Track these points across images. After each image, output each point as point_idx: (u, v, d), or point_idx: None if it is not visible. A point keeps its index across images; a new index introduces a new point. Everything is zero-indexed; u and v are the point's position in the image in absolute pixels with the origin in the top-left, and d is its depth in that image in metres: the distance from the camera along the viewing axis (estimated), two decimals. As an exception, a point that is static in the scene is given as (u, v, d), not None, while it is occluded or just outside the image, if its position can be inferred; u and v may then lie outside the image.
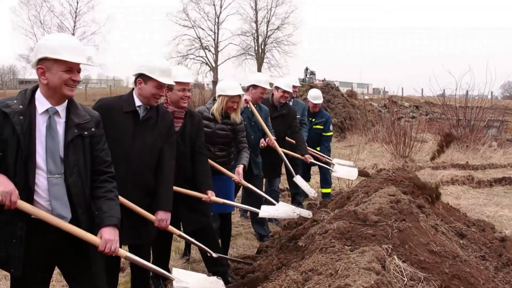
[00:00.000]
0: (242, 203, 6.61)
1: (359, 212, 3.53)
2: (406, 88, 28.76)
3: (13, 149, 2.36)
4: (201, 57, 45.01)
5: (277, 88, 6.10)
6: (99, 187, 2.65)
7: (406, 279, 2.63)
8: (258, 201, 5.08)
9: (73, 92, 2.53)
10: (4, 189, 2.27)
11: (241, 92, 4.38)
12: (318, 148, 7.42)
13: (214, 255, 3.98)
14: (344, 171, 7.18)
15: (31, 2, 40.32)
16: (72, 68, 2.46)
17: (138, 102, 3.33)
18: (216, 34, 45.37)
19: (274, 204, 4.84)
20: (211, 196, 3.93)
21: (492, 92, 17.18)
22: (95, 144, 2.63)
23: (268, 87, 5.42)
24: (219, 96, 4.37)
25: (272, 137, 5.61)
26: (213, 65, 44.82)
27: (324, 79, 23.19)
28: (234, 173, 4.52)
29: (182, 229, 4.31)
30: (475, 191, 8.08)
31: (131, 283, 3.77)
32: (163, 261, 4.17)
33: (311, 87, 18.41)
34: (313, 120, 7.40)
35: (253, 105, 5.38)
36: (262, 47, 45.53)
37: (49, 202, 2.44)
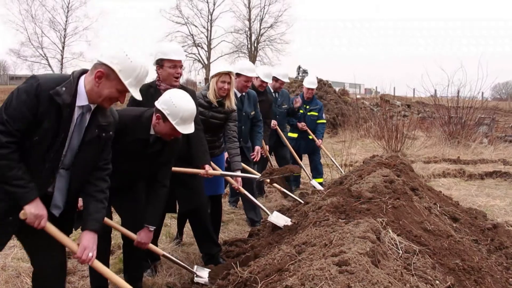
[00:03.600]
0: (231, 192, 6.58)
1: (353, 190, 3.48)
2: (398, 88, 28.89)
3: (49, 140, 2.32)
4: (194, 54, 44.83)
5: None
6: (92, 184, 2.61)
7: (401, 251, 2.59)
8: (250, 187, 5.06)
9: (109, 106, 2.53)
10: (38, 212, 2.33)
11: (229, 69, 4.28)
12: (311, 137, 7.43)
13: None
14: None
15: (22, -5, 39.75)
16: (124, 91, 2.43)
17: (152, 131, 3.22)
18: (209, 31, 45.21)
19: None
20: (209, 170, 3.86)
21: (482, 93, 17.30)
22: (106, 145, 2.62)
23: (252, 75, 5.12)
24: (211, 79, 4.32)
25: (257, 148, 5.44)
26: (206, 62, 44.62)
27: (317, 77, 23.17)
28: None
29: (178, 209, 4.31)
30: (466, 183, 8.08)
31: (124, 265, 3.69)
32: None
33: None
34: (307, 107, 7.44)
35: (240, 93, 5.18)
36: (255, 45, 45.44)
37: (52, 191, 2.47)
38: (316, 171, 7.59)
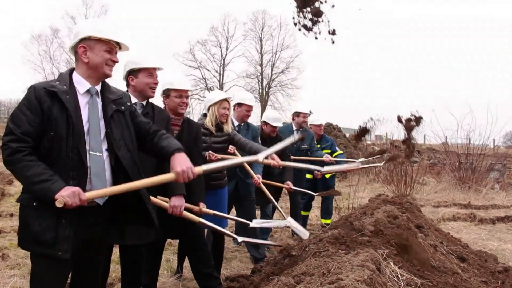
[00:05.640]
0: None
1: (356, 223, 3.43)
2: (409, 134, 28.76)
3: (64, 128, 2.38)
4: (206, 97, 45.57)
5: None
6: (152, 138, 2.72)
7: (402, 283, 2.51)
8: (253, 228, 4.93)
9: (112, 72, 2.62)
10: (70, 191, 2.27)
11: (227, 95, 4.50)
12: (328, 176, 7.41)
13: (239, 239, 4.17)
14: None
15: (42, 37, 41.58)
16: (112, 49, 2.57)
17: (133, 99, 3.36)
18: (221, 75, 46.21)
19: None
20: (202, 207, 3.83)
21: (494, 140, 17.16)
22: (134, 117, 2.73)
23: (253, 103, 5.38)
24: (209, 108, 4.45)
25: (255, 177, 5.07)
26: (218, 106, 45.24)
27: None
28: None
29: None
30: (477, 227, 7.90)
31: None
32: (152, 277, 4.04)
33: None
34: (320, 146, 7.47)
35: (239, 122, 5.32)
36: (266, 89, 46.16)
37: (90, 179, 2.45)
38: (326, 212, 7.51)
